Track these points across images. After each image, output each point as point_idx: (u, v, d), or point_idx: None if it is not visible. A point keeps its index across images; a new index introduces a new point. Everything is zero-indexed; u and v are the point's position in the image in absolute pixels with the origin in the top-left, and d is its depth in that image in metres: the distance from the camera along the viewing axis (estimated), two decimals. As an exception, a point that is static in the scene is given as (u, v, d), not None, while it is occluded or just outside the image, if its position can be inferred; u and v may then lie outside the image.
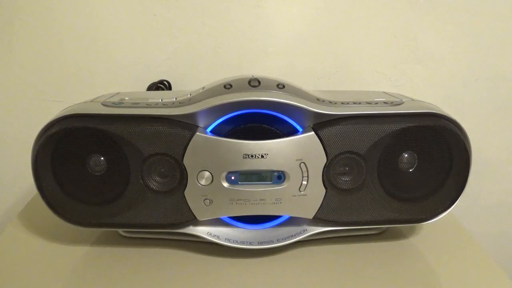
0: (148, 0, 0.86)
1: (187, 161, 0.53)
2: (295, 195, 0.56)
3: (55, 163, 0.54)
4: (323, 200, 0.56)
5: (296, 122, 0.55)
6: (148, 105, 0.55)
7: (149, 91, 0.85)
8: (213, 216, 0.57)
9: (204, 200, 0.55)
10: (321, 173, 0.55)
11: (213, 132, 0.55)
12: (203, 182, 0.54)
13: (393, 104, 0.57)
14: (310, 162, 0.54)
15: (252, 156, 0.53)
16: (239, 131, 0.56)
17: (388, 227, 0.64)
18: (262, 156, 0.53)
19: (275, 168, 0.54)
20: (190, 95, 0.58)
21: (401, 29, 0.90)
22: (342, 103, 0.56)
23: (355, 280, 0.54)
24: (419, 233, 0.65)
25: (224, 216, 0.58)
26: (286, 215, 0.58)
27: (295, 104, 0.53)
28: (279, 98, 0.53)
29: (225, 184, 0.55)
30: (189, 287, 0.53)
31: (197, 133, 0.52)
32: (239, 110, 0.54)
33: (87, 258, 0.58)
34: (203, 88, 0.58)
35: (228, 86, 0.54)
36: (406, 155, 0.57)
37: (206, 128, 0.55)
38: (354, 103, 0.57)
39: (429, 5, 0.88)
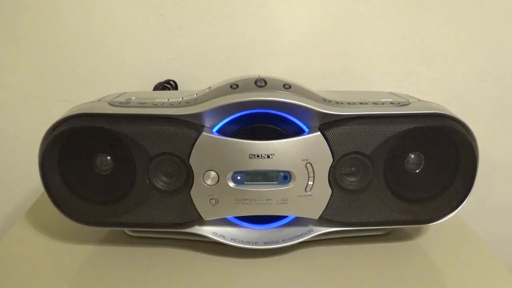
0: (155, 0, 0.87)
1: (193, 161, 0.53)
2: (301, 196, 0.56)
3: (62, 162, 0.55)
4: (329, 201, 0.56)
5: (302, 122, 0.55)
6: (155, 105, 0.55)
7: (156, 91, 0.85)
8: (219, 216, 0.57)
9: (210, 200, 0.55)
10: (327, 174, 0.55)
11: (219, 132, 0.55)
12: (209, 182, 0.54)
13: (399, 104, 0.57)
14: (316, 162, 0.54)
15: (258, 156, 0.53)
16: (245, 131, 0.56)
17: (394, 228, 0.64)
18: (268, 156, 0.53)
19: (281, 168, 0.54)
20: (196, 95, 0.58)
21: (408, 29, 0.90)
22: (348, 103, 0.56)
23: (360, 281, 0.54)
24: (426, 234, 0.64)
25: (230, 216, 0.58)
26: (292, 215, 0.58)
27: (301, 104, 0.53)
28: (285, 98, 0.52)
29: (231, 184, 0.55)
30: (195, 287, 0.53)
31: (203, 133, 0.53)
32: (245, 110, 0.54)
33: (93, 257, 0.58)
34: (210, 88, 0.58)
35: (234, 86, 0.54)
36: (412, 155, 0.57)
37: (212, 128, 0.55)
38: (361, 103, 0.56)
39: (436, 6, 0.88)
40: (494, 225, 1.09)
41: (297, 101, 0.53)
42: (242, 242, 0.58)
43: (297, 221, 0.59)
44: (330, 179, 0.55)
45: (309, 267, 0.57)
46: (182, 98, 0.57)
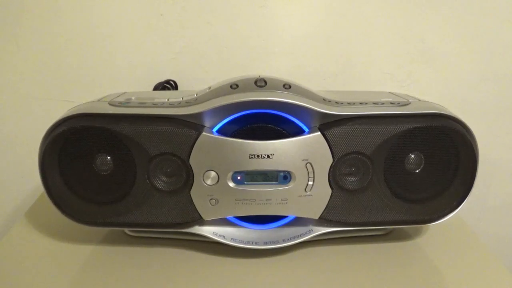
0: (155, 0, 0.87)
1: (193, 161, 0.53)
2: (301, 195, 0.56)
3: (62, 162, 0.55)
4: (329, 201, 0.56)
5: (302, 122, 0.55)
6: (155, 105, 0.55)
7: (156, 91, 0.85)
8: (219, 216, 0.57)
9: (210, 200, 0.55)
10: (327, 174, 0.55)
11: (219, 132, 0.55)
12: (209, 182, 0.54)
13: (399, 104, 0.57)
14: (316, 162, 0.54)
15: (258, 156, 0.53)
16: (245, 131, 0.56)
17: (394, 228, 0.64)
18: (268, 156, 0.53)
19: (281, 168, 0.54)
20: (196, 95, 0.58)
21: (408, 29, 0.90)
22: (348, 103, 0.56)
23: (360, 281, 0.54)
24: (425, 234, 0.64)
25: (230, 216, 0.58)
26: (292, 215, 0.58)
27: (301, 104, 0.53)
28: (285, 98, 0.52)
29: (231, 184, 0.55)
30: (195, 287, 0.53)
31: (203, 133, 0.53)
32: (245, 110, 0.54)
33: (93, 257, 0.58)
34: (210, 88, 0.58)
35: (234, 86, 0.54)
36: (412, 155, 0.57)
37: (212, 128, 0.55)
38: (361, 103, 0.56)
39: (436, 6, 0.88)
40: (494, 225, 1.09)
41: (297, 101, 0.53)
42: (242, 242, 0.58)
43: (297, 221, 0.59)
44: (330, 179, 0.55)
45: (309, 267, 0.57)
46: (182, 98, 0.57)
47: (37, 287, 0.53)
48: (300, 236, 0.58)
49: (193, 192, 0.55)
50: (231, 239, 0.58)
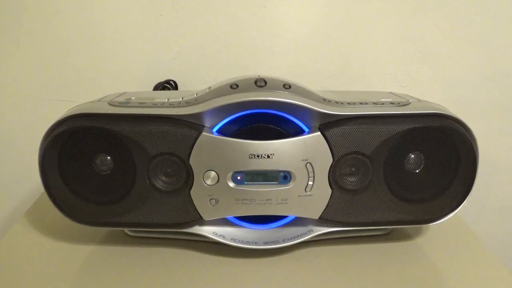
0: (155, 0, 0.87)
1: (193, 161, 0.53)
2: (301, 196, 0.56)
3: (62, 162, 0.55)
4: (329, 201, 0.56)
5: (302, 122, 0.55)
6: (155, 105, 0.55)
7: (156, 91, 0.85)
8: (219, 216, 0.57)
9: (210, 200, 0.55)
10: (327, 174, 0.55)
11: (219, 132, 0.55)
12: (209, 182, 0.54)
13: (399, 104, 0.57)
14: (316, 162, 0.54)
15: (258, 156, 0.53)
16: (245, 131, 0.56)
17: (394, 228, 0.64)
18: (268, 156, 0.53)
19: (281, 168, 0.54)
20: (196, 95, 0.58)
21: (408, 29, 0.90)
22: (348, 103, 0.56)
23: (360, 281, 0.54)
24: (425, 234, 0.64)
25: (230, 216, 0.58)
26: (292, 215, 0.58)
27: (301, 104, 0.53)
28: (285, 98, 0.53)
29: (231, 184, 0.55)
30: (194, 287, 0.53)
31: (203, 133, 0.53)
32: (245, 110, 0.54)
33: (93, 257, 0.58)
34: (210, 88, 0.58)
35: (234, 86, 0.54)
36: (412, 155, 0.57)
37: (212, 128, 0.55)
38: (361, 103, 0.56)
39: (436, 6, 0.88)
40: (494, 225, 1.09)
41: (297, 101, 0.53)
42: (242, 242, 0.58)
43: (297, 221, 0.59)
44: (330, 179, 0.55)
45: (309, 267, 0.57)
46: (182, 98, 0.57)
47: (37, 287, 0.53)
48: (300, 236, 0.58)
49: (193, 192, 0.55)
50: (231, 239, 0.58)
